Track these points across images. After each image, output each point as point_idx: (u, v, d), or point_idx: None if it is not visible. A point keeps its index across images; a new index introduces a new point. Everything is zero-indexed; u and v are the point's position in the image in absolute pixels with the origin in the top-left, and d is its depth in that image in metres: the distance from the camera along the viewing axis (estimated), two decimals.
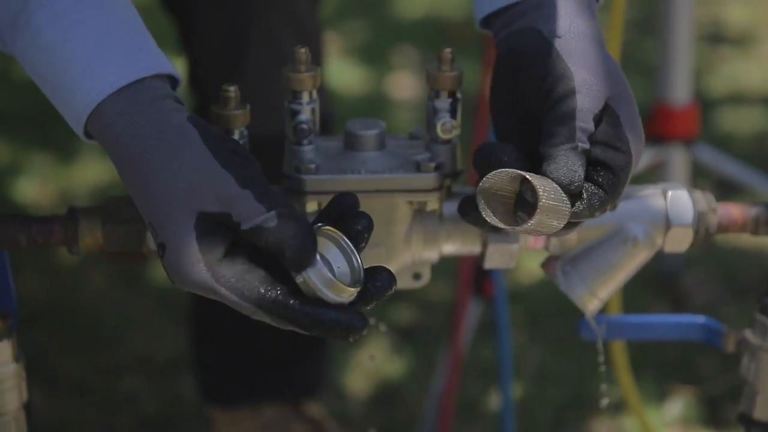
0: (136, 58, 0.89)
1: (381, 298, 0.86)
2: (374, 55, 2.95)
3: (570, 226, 0.90)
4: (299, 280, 0.84)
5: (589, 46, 0.92)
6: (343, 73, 2.82)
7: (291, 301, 0.83)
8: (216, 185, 0.84)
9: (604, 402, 1.59)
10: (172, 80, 0.91)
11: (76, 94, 0.88)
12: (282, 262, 0.83)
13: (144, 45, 0.90)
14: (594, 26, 0.93)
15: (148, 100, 0.88)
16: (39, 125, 2.63)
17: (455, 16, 3.08)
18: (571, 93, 0.89)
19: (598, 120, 0.90)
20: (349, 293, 0.85)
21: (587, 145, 0.89)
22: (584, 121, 0.89)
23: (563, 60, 0.91)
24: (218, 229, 0.84)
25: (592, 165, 0.90)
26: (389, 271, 0.86)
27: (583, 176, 0.88)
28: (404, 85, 2.82)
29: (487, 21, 0.97)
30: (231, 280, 0.83)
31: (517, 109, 0.93)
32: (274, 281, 0.83)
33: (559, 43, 0.91)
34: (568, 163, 0.87)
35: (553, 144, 0.88)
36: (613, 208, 0.94)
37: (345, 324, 0.84)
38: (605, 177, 0.89)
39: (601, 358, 1.10)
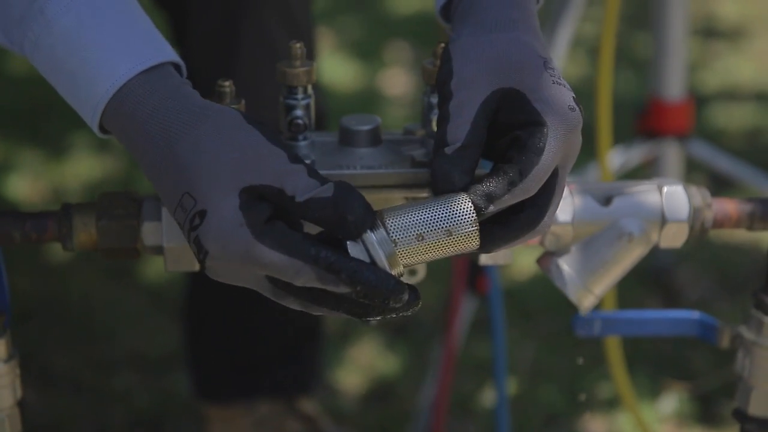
0: (152, 45, 0.90)
1: (405, 310, 0.86)
2: (367, 50, 2.94)
3: (528, 224, 0.88)
4: (355, 245, 0.84)
5: (490, 38, 0.90)
6: (336, 68, 2.82)
7: (338, 255, 0.84)
8: (269, 161, 0.85)
9: (582, 397, 1.60)
10: (179, 70, 0.93)
11: (97, 78, 0.88)
12: (338, 231, 0.84)
13: (155, 34, 0.92)
14: (512, 14, 0.92)
15: (177, 83, 0.89)
16: (31, 121, 2.63)
17: None
18: (448, 96, 0.89)
19: (493, 110, 0.89)
20: (401, 270, 0.85)
21: (458, 143, 0.87)
22: (459, 116, 0.88)
23: (451, 60, 0.90)
24: (260, 202, 0.84)
25: (506, 148, 0.89)
26: (417, 292, 0.87)
27: (460, 177, 0.87)
28: (397, 81, 2.82)
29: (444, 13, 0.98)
30: (276, 238, 0.83)
31: None
32: (316, 239, 0.85)
33: (461, 41, 0.91)
34: (441, 172, 0.87)
35: (434, 154, 0.88)
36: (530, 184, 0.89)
37: (389, 285, 0.83)
38: (517, 152, 0.88)
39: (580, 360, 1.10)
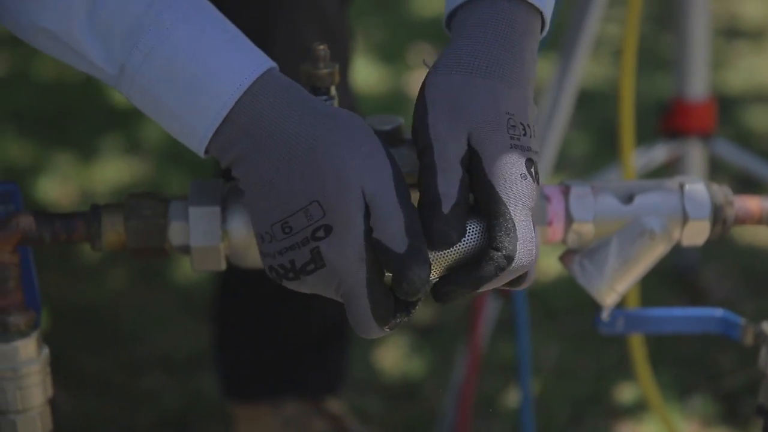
0: (259, 51, 0.92)
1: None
2: (391, 53, 2.95)
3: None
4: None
5: (464, 84, 0.90)
6: (361, 71, 2.83)
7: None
8: (377, 175, 0.86)
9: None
10: None
11: (220, 82, 0.88)
12: (393, 284, 0.87)
13: (252, 43, 0.93)
14: (500, 55, 0.91)
15: (296, 85, 0.90)
16: (59, 125, 2.65)
17: None
18: (428, 145, 0.89)
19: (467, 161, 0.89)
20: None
21: (453, 201, 0.87)
22: (448, 170, 0.88)
23: (426, 105, 0.90)
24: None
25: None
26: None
27: (457, 237, 0.87)
28: (421, 83, 2.82)
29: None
30: (374, 293, 0.87)
31: None
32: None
33: (438, 81, 0.90)
34: (439, 232, 0.87)
35: (427, 209, 0.88)
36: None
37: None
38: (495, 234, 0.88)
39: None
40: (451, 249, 0.89)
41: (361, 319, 0.88)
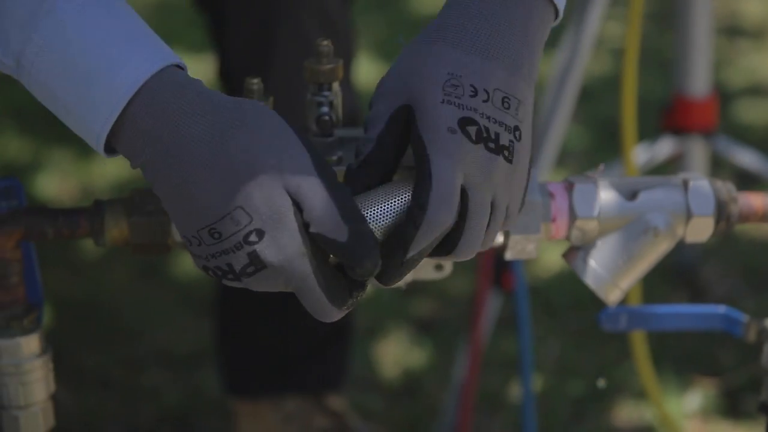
0: (162, 46, 0.88)
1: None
2: (391, 50, 2.95)
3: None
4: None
5: (420, 48, 0.89)
6: (361, 68, 2.82)
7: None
8: (296, 168, 0.85)
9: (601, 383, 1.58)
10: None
11: (118, 74, 0.85)
12: (346, 269, 0.86)
13: (158, 37, 0.89)
14: (479, 27, 0.89)
15: (198, 82, 0.87)
16: (58, 121, 2.64)
17: None
18: (369, 106, 0.91)
19: (400, 126, 0.89)
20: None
21: (361, 158, 0.89)
22: (373, 125, 0.89)
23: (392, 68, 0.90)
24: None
25: None
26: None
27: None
28: None
29: None
30: (327, 280, 0.86)
31: None
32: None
33: (406, 48, 0.90)
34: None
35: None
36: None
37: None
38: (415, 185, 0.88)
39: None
40: (380, 212, 0.88)
41: (318, 307, 0.87)
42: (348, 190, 0.87)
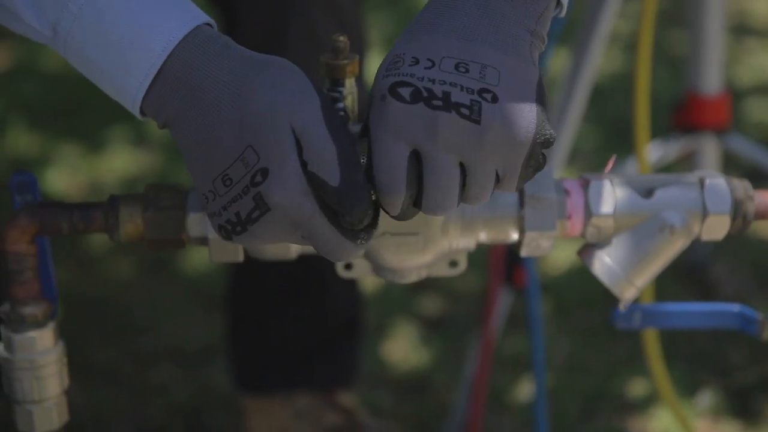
0: (191, 6, 0.90)
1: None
2: None
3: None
4: None
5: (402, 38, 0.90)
6: (369, 64, 2.82)
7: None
8: (305, 107, 0.86)
9: None
10: None
11: (148, 40, 0.87)
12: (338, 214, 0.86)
13: None
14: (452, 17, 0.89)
15: (228, 39, 0.89)
16: (67, 116, 2.65)
17: None
18: None
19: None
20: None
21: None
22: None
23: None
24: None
25: None
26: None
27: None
28: None
29: None
30: (332, 218, 0.86)
31: None
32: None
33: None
34: None
35: None
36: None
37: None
38: None
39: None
40: None
41: (332, 245, 0.87)
42: (351, 139, 0.87)
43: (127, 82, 0.89)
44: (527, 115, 0.87)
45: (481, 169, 0.87)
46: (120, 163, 2.48)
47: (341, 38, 0.96)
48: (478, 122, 0.85)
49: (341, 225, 0.87)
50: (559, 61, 2.20)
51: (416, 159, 0.86)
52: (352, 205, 0.85)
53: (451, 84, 0.85)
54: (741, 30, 3.03)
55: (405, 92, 0.85)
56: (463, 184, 0.88)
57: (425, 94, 0.85)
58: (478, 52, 0.87)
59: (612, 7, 1.70)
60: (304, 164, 0.85)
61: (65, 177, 2.45)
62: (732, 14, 3.06)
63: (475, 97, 0.85)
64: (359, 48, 1.50)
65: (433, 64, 0.86)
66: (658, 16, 2.81)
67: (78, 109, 2.66)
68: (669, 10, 2.96)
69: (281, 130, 0.85)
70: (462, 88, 0.85)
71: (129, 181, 2.42)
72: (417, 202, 0.88)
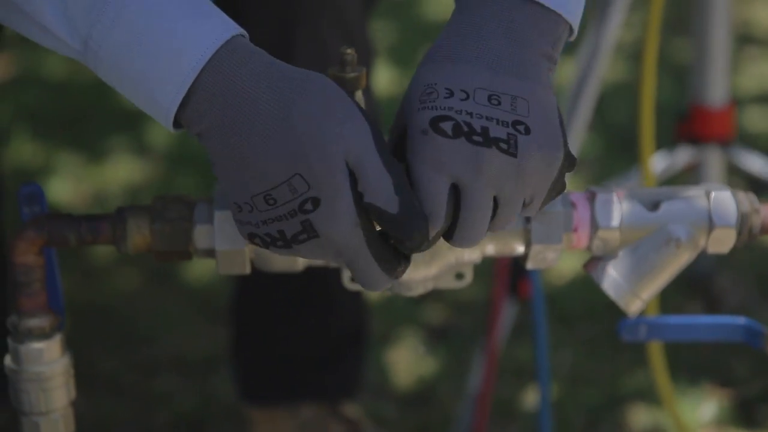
0: (224, 17, 0.89)
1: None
2: (403, 56, 2.95)
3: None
4: None
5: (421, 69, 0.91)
6: (372, 74, 2.83)
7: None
8: (357, 139, 0.85)
9: None
10: None
11: (182, 52, 0.86)
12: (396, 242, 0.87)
13: (218, 9, 0.90)
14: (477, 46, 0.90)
15: (262, 51, 0.89)
16: (70, 126, 2.65)
17: None
18: None
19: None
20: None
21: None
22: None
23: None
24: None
25: None
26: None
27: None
28: None
29: None
30: (378, 251, 0.88)
31: None
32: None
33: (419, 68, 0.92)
34: None
35: None
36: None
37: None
38: None
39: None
40: None
41: (372, 277, 0.88)
42: (401, 166, 0.87)
43: (161, 96, 0.87)
44: (557, 143, 0.89)
45: (514, 200, 0.89)
46: (124, 172, 2.48)
47: (349, 51, 0.96)
48: (515, 155, 0.87)
49: (384, 256, 0.88)
50: (564, 72, 2.20)
51: (454, 193, 0.88)
52: (412, 231, 0.86)
53: (487, 118, 0.87)
54: (744, 39, 3.03)
55: (447, 127, 0.86)
56: (492, 215, 0.89)
57: (465, 128, 0.86)
58: (506, 83, 0.88)
59: (617, 17, 1.70)
60: (359, 196, 0.85)
61: (69, 186, 2.45)
62: (734, 23, 3.06)
63: (510, 130, 0.87)
64: (366, 59, 1.50)
65: (468, 96, 0.87)
66: (662, 24, 2.82)
67: (82, 119, 2.66)
68: (673, 18, 2.96)
69: (335, 160, 0.85)
70: (498, 121, 0.87)
71: (133, 190, 2.42)
72: (447, 234, 0.90)
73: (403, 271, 0.90)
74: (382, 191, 0.85)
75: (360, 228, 0.86)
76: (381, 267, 0.88)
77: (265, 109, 0.86)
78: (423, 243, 0.87)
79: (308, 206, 0.85)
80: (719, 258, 2.16)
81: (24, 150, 2.57)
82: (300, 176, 0.85)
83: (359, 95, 0.98)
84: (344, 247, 0.86)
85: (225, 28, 0.88)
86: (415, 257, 0.99)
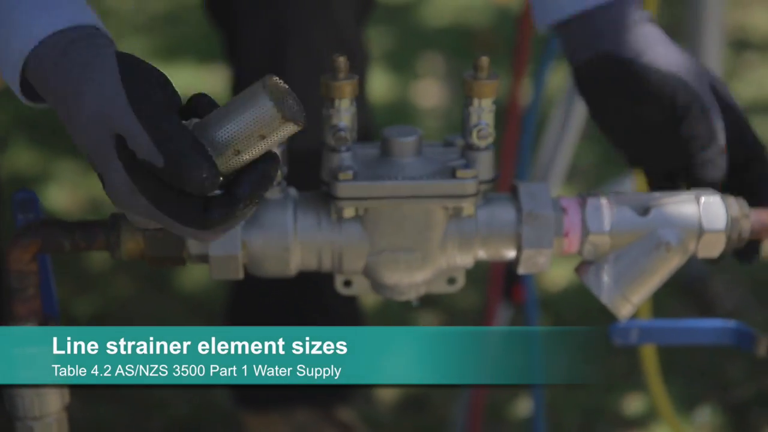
0: (72, 8, 0.91)
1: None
2: (400, 62, 2.96)
3: None
4: None
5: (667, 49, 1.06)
6: (369, 80, 2.83)
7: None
8: (116, 116, 0.86)
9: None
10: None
11: (13, 40, 0.91)
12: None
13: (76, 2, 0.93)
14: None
15: (79, 37, 0.90)
16: (68, 133, 2.65)
17: (482, 22, 3.09)
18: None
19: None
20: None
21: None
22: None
23: (675, 80, 1.06)
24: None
25: None
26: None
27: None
28: (430, 92, 2.83)
29: (556, 27, 1.00)
30: (173, 206, 0.86)
31: (639, 129, 1.06)
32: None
33: (657, 61, 1.05)
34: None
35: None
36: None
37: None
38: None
39: None
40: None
41: (185, 233, 0.87)
42: (169, 118, 0.85)
43: (9, 76, 0.93)
44: None
45: None
46: None
47: (340, 58, 0.97)
48: None
49: (177, 211, 0.85)
50: (557, 79, 2.21)
51: None
52: (182, 176, 0.83)
53: None
54: (740, 44, 3.03)
55: None
56: None
57: None
58: None
59: None
60: (131, 156, 0.85)
61: (65, 193, 2.45)
62: (731, 28, 3.07)
63: None
64: (361, 65, 1.51)
65: None
66: None
67: None
68: (667, 26, 2.97)
69: (98, 137, 0.87)
70: None
71: None
72: None
73: (227, 221, 0.85)
74: (144, 147, 0.84)
75: (139, 194, 0.85)
76: (180, 222, 0.85)
77: (65, 98, 0.89)
78: (208, 180, 0.83)
79: (102, 181, 0.88)
80: (712, 262, 2.16)
81: (21, 157, 2.57)
82: (89, 156, 0.89)
83: (350, 102, 0.99)
84: (143, 214, 0.87)
85: (66, 19, 0.91)
86: (407, 261, 0.99)
